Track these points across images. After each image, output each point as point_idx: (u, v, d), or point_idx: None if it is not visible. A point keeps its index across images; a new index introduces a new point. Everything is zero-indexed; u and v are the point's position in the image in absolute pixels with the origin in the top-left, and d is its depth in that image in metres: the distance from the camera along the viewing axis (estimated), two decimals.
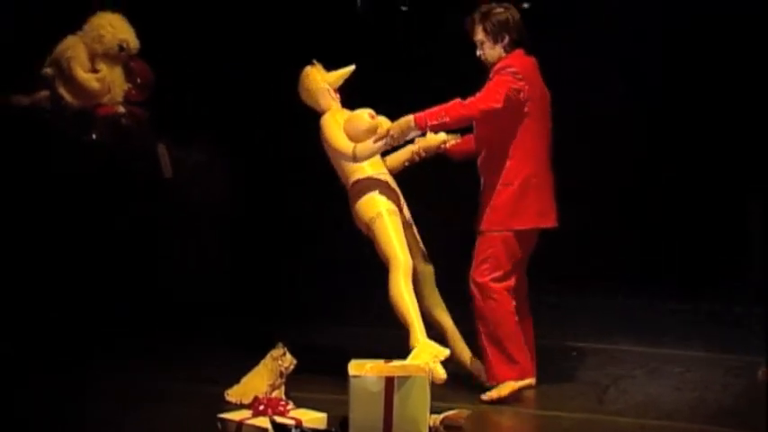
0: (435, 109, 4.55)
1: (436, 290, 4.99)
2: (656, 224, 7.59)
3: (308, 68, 5.07)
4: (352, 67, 5.06)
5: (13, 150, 5.94)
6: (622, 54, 7.25)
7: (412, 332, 4.63)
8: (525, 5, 4.90)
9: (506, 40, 4.68)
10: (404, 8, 7.20)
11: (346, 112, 4.98)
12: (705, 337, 5.91)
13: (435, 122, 4.55)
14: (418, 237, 5.00)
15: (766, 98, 6.32)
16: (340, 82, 5.05)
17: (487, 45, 4.71)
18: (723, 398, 4.86)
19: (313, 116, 5.02)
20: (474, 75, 4.81)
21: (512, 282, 4.71)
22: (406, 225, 4.92)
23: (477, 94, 4.60)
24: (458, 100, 4.57)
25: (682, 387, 5.01)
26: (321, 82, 5.01)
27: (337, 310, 6.48)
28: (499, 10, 4.70)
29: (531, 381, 4.73)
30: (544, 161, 4.74)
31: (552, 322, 4.85)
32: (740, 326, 6.00)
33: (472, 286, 4.72)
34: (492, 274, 4.67)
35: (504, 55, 4.69)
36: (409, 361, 4.43)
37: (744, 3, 6.65)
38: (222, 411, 4.31)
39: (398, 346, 4.72)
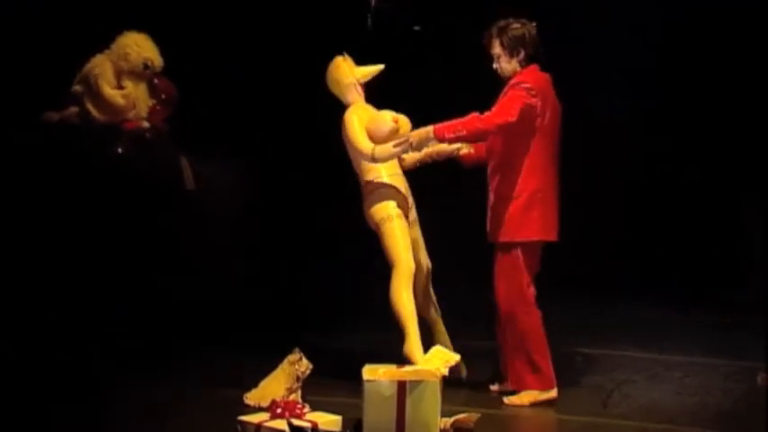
0: (454, 122, 4.56)
1: (431, 287, 5.02)
2: (658, 233, 7.56)
3: (339, 60, 5.00)
4: (381, 66, 5.00)
5: (43, 162, 5.98)
6: (621, 56, 7.21)
7: (407, 338, 4.63)
8: (533, 24, 4.85)
9: (522, 54, 4.68)
10: (416, 28, 7.17)
11: (370, 108, 4.96)
12: (705, 343, 5.89)
13: (452, 135, 4.57)
14: (420, 235, 5.01)
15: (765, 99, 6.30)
16: (367, 78, 5.00)
17: (504, 59, 4.71)
18: (723, 402, 4.84)
19: (328, 112, 5.00)
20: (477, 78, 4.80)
21: (533, 290, 4.71)
22: (411, 223, 4.93)
23: (493, 109, 4.60)
24: (475, 114, 4.57)
25: (683, 392, 4.99)
26: (350, 76, 4.96)
27: (351, 316, 6.47)
28: (516, 25, 4.70)
29: (553, 394, 4.72)
30: (551, 175, 4.73)
31: (556, 328, 4.82)
32: (740, 332, 5.96)
33: (500, 297, 4.70)
34: (516, 285, 4.66)
35: (519, 69, 4.69)
36: (421, 366, 4.42)
37: (742, 4, 6.62)
38: (241, 414, 4.31)
39: None
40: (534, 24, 4.74)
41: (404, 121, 4.84)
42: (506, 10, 4.78)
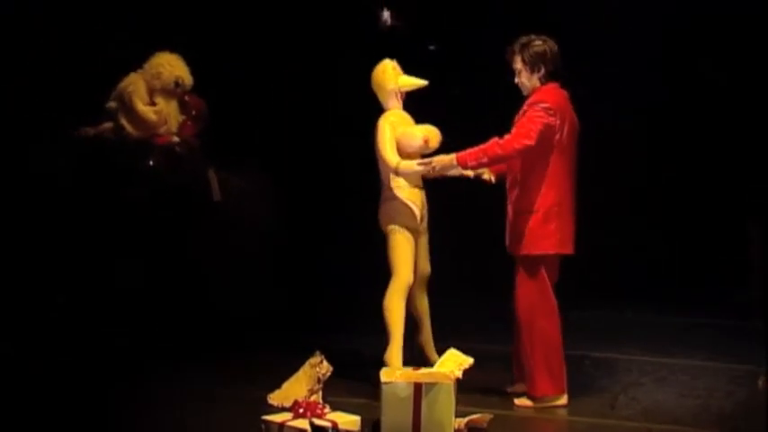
0: (475, 150, 4.55)
1: (426, 291, 5.05)
2: (663, 238, 7.49)
3: (388, 65, 4.97)
4: (426, 82, 4.98)
5: (80, 174, 6.04)
6: (625, 65, 7.13)
7: (390, 344, 4.71)
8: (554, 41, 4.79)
9: (542, 71, 4.64)
10: (432, 47, 7.16)
11: (405, 117, 4.95)
12: (709, 347, 5.85)
13: (474, 163, 4.57)
14: (427, 243, 5.02)
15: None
16: (409, 89, 4.98)
17: (524, 74, 4.67)
18: (725, 404, 4.82)
19: (346, 118, 4.99)
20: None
21: (554, 299, 4.67)
22: (422, 232, 4.94)
23: (512, 131, 4.56)
24: (495, 140, 4.55)
25: (687, 394, 4.97)
26: (393, 83, 4.93)
27: (370, 321, 6.45)
28: (538, 42, 4.66)
29: (563, 400, 4.70)
30: (568, 190, 4.67)
31: (565, 333, 4.80)
32: (742, 337, 5.91)
33: (519, 306, 4.66)
34: (535, 294, 4.63)
35: (538, 85, 4.65)
36: (436, 369, 4.42)
37: (743, 7, 6.53)
38: (265, 414, 4.32)
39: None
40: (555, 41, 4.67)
41: (434, 134, 4.85)
42: (505, 17, 4.73)
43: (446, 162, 4.60)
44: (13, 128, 5.95)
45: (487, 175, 4.85)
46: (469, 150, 4.55)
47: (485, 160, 4.55)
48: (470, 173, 4.79)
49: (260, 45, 7.22)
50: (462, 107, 7.00)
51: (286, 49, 7.32)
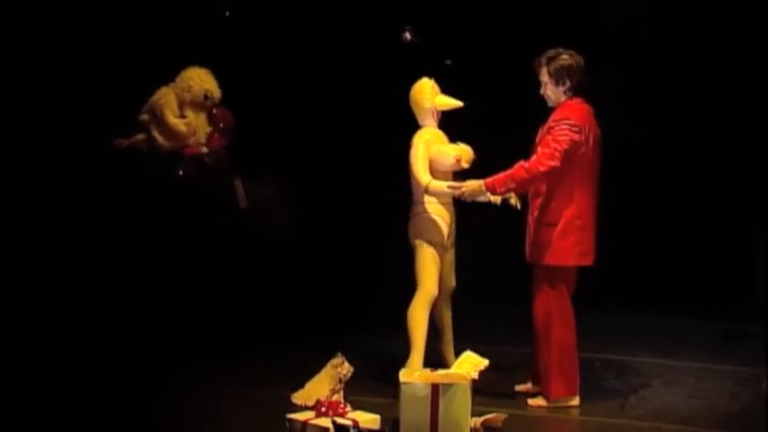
0: (502, 175, 4.50)
1: (450, 304, 5.01)
2: (672, 243, 7.41)
3: (426, 84, 4.93)
4: (461, 103, 4.93)
5: (111, 181, 6.05)
6: (628, 68, 7.03)
7: (412, 352, 4.68)
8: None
9: (567, 84, 4.57)
10: (448, 62, 7.12)
11: (440, 135, 4.91)
12: (713, 350, 5.79)
13: (503, 189, 4.54)
14: (453, 257, 4.97)
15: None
16: (445, 109, 4.93)
17: (550, 86, 4.61)
18: (731, 405, 4.77)
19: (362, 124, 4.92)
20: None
21: (571, 307, 4.62)
22: (447, 248, 4.89)
23: (538, 152, 4.49)
24: (521, 164, 4.48)
25: (695, 395, 4.92)
26: (430, 102, 4.89)
27: (389, 323, 6.42)
28: (565, 56, 4.58)
29: (575, 401, 4.65)
30: (591, 203, 4.60)
31: (578, 336, 4.76)
32: (747, 341, 5.84)
33: (537, 313, 4.61)
34: (552, 303, 4.58)
35: (563, 99, 4.59)
36: (453, 370, 4.39)
37: (742, 7, 6.43)
38: (289, 412, 4.31)
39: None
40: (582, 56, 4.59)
41: (466, 153, 4.82)
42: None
43: (475, 188, 4.55)
44: (48, 133, 5.96)
45: (514, 200, 4.80)
46: (497, 176, 4.50)
47: (512, 185, 4.50)
48: (498, 198, 4.74)
49: (288, 59, 7.20)
50: (491, 124, 6.90)
51: (314, 61, 7.30)
